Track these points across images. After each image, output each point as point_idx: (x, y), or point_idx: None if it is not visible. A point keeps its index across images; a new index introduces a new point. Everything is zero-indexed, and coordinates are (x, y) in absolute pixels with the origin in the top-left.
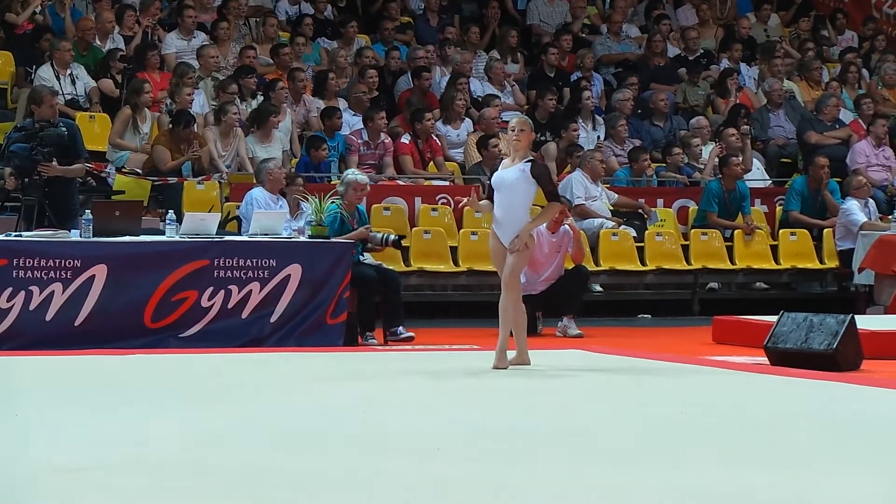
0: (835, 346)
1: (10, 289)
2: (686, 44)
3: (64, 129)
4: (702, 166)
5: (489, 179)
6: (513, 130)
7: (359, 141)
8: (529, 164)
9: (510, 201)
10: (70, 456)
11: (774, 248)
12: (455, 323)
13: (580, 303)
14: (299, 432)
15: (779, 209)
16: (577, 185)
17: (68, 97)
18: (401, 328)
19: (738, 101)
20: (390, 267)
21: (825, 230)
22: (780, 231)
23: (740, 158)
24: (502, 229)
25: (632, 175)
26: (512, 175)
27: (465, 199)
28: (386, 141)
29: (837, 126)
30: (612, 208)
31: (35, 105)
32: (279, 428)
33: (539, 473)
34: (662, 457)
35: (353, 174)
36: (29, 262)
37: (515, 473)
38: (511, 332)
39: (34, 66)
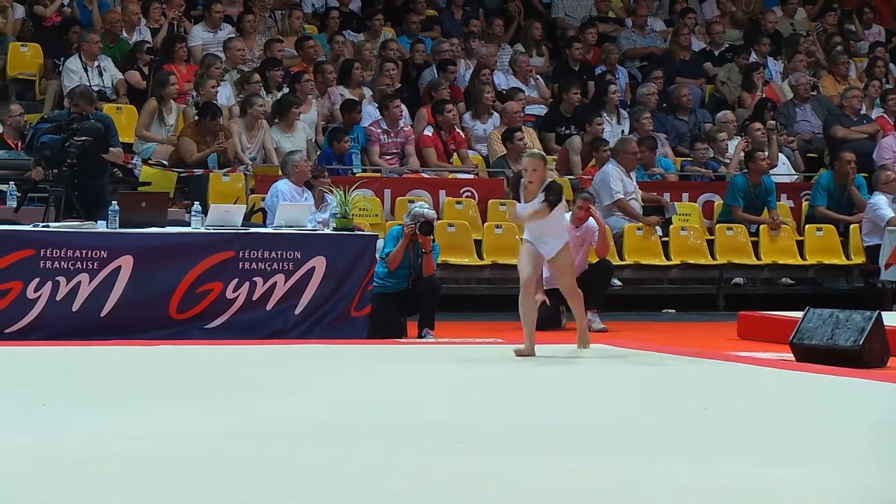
0: (861, 342)
1: (37, 279)
2: (711, 37)
3: (96, 121)
4: (727, 161)
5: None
6: (525, 171)
7: (378, 130)
8: (544, 193)
9: (540, 226)
10: (93, 447)
11: (800, 244)
12: (479, 316)
13: (604, 297)
14: (319, 425)
15: (805, 204)
16: (614, 179)
17: (96, 89)
18: (427, 331)
19: (764, 96)
20: (436, 271)
21: (852, 226)
22: (807, 226)
23: (766, 153)
24: (541, 244)
25: (641, 168)
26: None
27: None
28: (406, 129)
29: (865, 121)
30: (642, 204)
31: (85, 102)
32: (298, 421)
33: (556, 468)
34: (683, 452)
35: (421, 207)
36: (56, 253)
37: (532, 468)
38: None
39: (62, 59)
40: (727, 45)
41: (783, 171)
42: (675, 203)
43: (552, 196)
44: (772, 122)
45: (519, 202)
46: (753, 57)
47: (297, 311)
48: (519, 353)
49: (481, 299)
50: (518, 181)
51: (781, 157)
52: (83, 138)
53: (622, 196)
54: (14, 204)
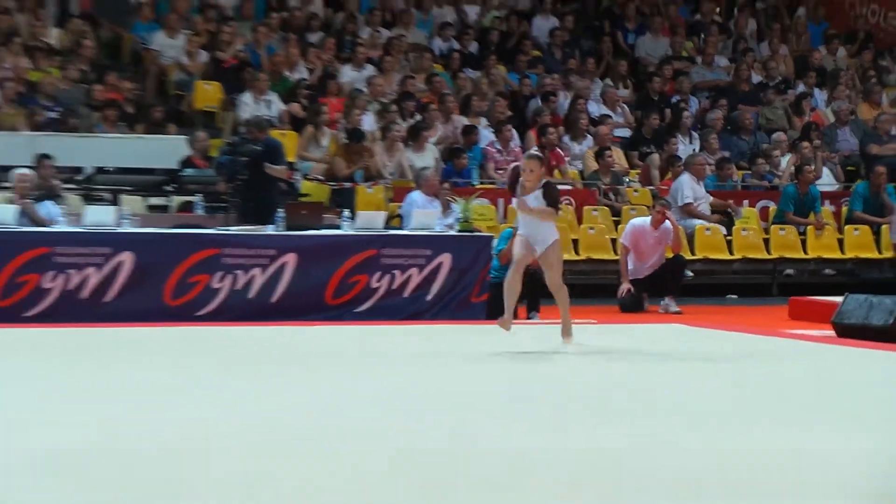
0: (891, 321)
1: (221, 273)
2: (767, 72)
3: (258, 145)
4: (780, 173)
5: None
6: (524, 171)
7: (493, 150)
8: (543, 194)
9: (535, 224)
10: (242, 416)
11: (841, 241)
12: (577, 302)
13: (679, 285)
14: (422, 397)
15: (844, 209)
16: (686, 187)
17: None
18: (534, 314)
19: (810, 120)
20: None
21: (883, 226)
22: (846, 227)
23: (812, 167)
24: (533, 239)
25: (718, 180)
26: (533, 203)
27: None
28: (516, 149)
29: (895, 140)
30: (711, 208)
31: (255, 129)
32: (413, 393)
33: (632, 432)
34: (740, 415)
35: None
36: (235, 252)
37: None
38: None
39: (237, 94)
40: (780, 79)
41: (826, 181)
42: (740, 209)
43: (555, 201)
44: (817, 141)
45: (513, 195)
46: (802, 88)
47: (428, 298)
48: (501, 323)
49: (579, 288)
50: (516, 177)
51: (825, 170)
52: (245, 158)
53: (691, 201)
54: (202, 212)
